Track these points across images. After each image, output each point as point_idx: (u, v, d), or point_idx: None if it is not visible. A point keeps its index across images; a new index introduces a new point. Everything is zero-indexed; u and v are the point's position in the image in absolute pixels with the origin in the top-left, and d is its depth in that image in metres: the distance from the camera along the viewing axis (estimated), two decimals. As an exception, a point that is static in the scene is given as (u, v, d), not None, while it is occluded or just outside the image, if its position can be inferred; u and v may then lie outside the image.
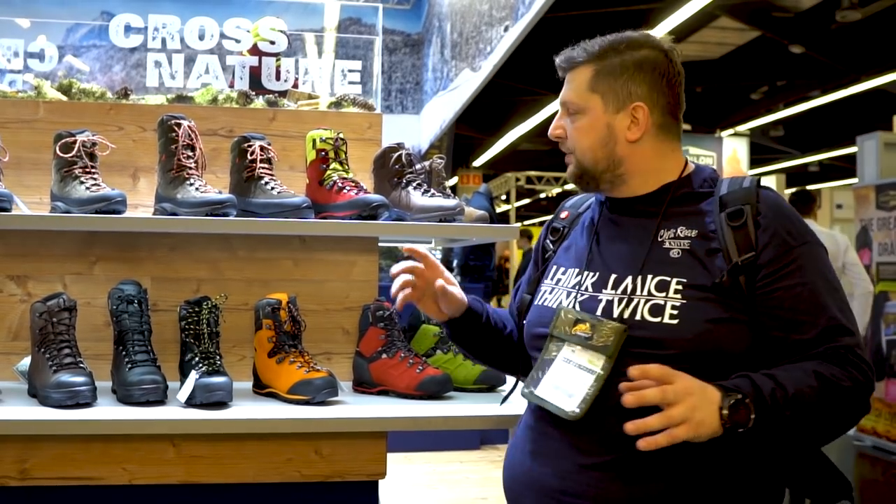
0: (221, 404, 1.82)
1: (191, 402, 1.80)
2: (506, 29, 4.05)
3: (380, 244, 2.26)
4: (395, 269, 1.61)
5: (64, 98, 2.20)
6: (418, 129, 6.63)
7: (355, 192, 2.02)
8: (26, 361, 1.97)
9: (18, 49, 2.27)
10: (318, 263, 2.19)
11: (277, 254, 2.18)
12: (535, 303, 1.52)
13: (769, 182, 9.82)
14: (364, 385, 2.05)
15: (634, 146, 1.41)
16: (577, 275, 1.45)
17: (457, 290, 1.65)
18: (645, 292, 1.33)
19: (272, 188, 1.99)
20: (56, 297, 1.88)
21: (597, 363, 1.31)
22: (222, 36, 2.30)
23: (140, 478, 1.76)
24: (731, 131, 11.32)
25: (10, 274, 2.09)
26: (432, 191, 2.09)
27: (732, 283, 1.28)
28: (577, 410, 1.30)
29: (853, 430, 6.47)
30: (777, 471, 1.36)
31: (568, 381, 1.33)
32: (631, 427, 1.19)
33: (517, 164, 13.88)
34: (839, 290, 1.31)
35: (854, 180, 6.89)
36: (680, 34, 8.17)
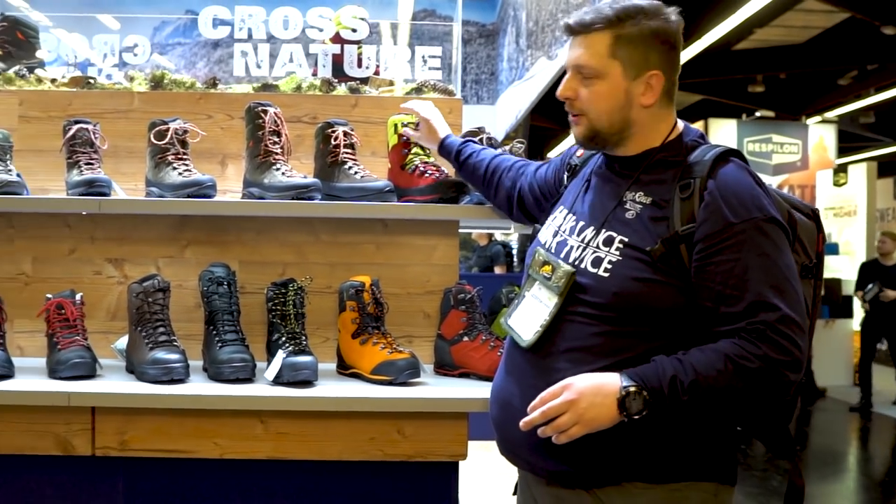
0: (307, 383, 1.86)
1: (278, 381, 1.85)
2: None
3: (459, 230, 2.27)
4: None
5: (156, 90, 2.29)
6: (494, 120, 6.62)
7: (437, 175, 2.03)
8: (124, 340, 2.06)
9: (114, 45, 2.37)
10: (400, 247, 2.22)
11: (360, 238, 2.21)
12: (539, 234, 1.67)
13: (859, 171, 9.42)
14: (445, 367, 2.06)
15: (645, 110, 1.49)
16: (565, 217, 1.59)
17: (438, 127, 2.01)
18: (595, 244, 1.47)
19: (355, 172, 2.03)
20: (151, 279, 1.97)
21: (550, 301, 1.49)
22: (305, 25, 2.35)
23: (230, 452, 1.83)
24: (817, 118, 10.88)
25: (109, 257, 2.19)
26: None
27: (668, 251, 1.39)
28: (530, 339, 1.50)
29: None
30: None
31: (530, 314, 1.53)
32: (539, 432, 1.40)
33: (593, 156, 13.66)
34: (778, 267, 1.37)
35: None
36: (763, 18, 7.89)
